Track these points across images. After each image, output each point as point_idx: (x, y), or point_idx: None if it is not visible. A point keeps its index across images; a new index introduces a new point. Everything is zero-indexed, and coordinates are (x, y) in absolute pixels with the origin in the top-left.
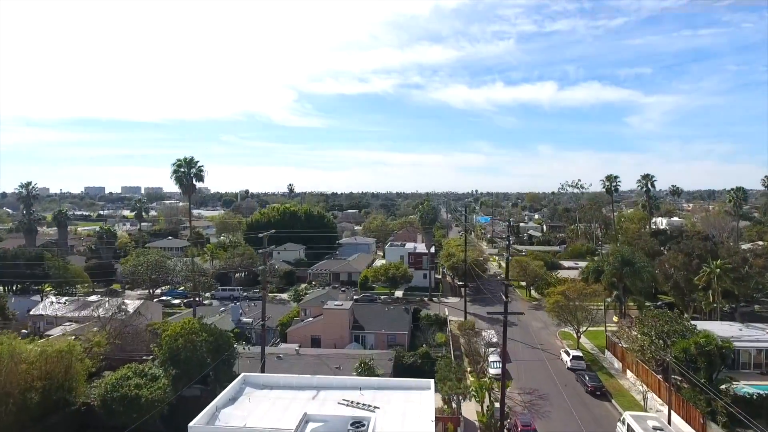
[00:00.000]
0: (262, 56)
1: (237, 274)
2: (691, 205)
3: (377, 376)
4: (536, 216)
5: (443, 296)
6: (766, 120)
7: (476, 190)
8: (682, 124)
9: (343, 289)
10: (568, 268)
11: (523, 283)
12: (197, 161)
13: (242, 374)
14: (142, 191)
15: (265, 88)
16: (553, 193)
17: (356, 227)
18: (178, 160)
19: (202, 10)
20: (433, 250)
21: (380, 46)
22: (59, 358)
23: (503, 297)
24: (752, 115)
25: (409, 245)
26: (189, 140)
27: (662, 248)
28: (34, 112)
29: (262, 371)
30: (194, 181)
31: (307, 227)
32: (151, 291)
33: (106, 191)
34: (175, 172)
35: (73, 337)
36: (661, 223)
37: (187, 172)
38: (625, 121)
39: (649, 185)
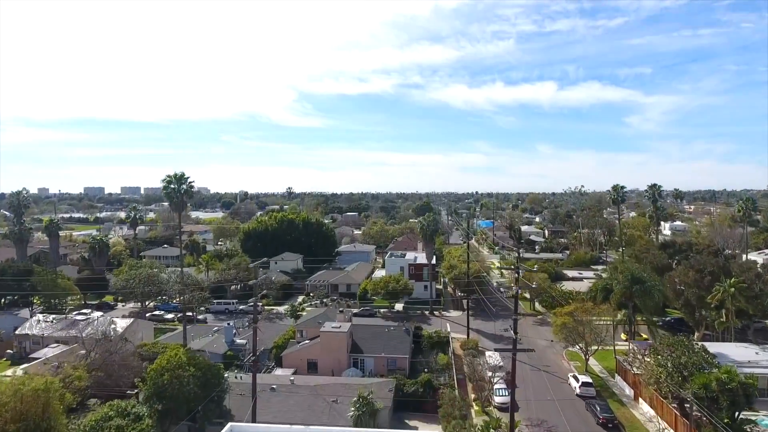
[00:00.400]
0: (263, 56)
1: (233, 287)
2: (692, 207)
3: (376, 409)
4: (537, 219)
5: (445, 309)
6: (767, 120)
7: (476, 192)
8: (682, 124)
9: (340, 309)
10: (573, 279)
11: (527, 294)
12: (188, 177)
13: (229, 425)
14: (142, 191)
15: (265, 88)
16: (553, 193)
17: (356, 231)
18: (168, 176)
19: (202, 11)
20: (434, 261)
21: (380, 46)
22: (35, 398)
23: (512, 333)
24: (752, 115)
25: (410, 255)
26: (189, 140)
27: (671, 261)
28: (34, 113)
29: (253, 420)
30: (184, 198)
31: (305, 235)
32: (143, 304)
33: (106, 192)
34: (165, 188)
35: (56, 365)
36: (664, 227)
37: (177, 188)
38: (625, 121)
39: (656, 195)
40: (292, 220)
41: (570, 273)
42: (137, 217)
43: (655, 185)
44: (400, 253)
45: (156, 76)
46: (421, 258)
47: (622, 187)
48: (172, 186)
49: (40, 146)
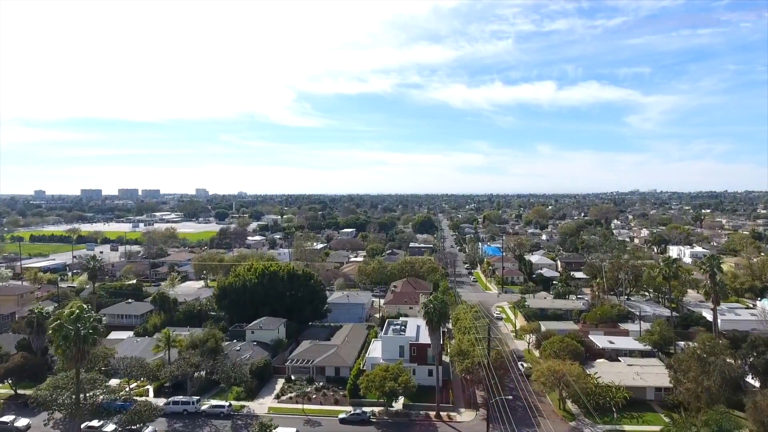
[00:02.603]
0: (262, 56)
1: (196, 374)
2: (703, 218)
3: None
4: (543, 236)
5: (454, 408)
6: (766, 120)
7: (476, 194)
8: (681, 123)
9: None
10: (605, 354)
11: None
12: (90, 315)
13: None
14: (140, 192)
15: (265, 88)
16: (556, 199)
17: (352, 257)
18: (60, 316)
19: (202, 11)
20: (441, 326)
21: (379, 46)
22: None
23: None
24: (751, 115)
25: (411, 326)
26: (189, 140)
27: (741, 362)
28: (33, 112)
29: None
30: (85, 345)
31: (290, 289)
32: (77, 417)
33: (103, 194)
34: (54, 333)
35: None
36: (684, 254)
37: (74, 332)
38: (624, 120)
39: (716, 268)
40: (275, 273)
41: (599, 341)
42: (96, 268)
43: (713, 257)
44: (399, 323)
45: (156, 76)
46: (424, 332)
47: (675, 260)
48: (69, 327)
49: (39, 146)
